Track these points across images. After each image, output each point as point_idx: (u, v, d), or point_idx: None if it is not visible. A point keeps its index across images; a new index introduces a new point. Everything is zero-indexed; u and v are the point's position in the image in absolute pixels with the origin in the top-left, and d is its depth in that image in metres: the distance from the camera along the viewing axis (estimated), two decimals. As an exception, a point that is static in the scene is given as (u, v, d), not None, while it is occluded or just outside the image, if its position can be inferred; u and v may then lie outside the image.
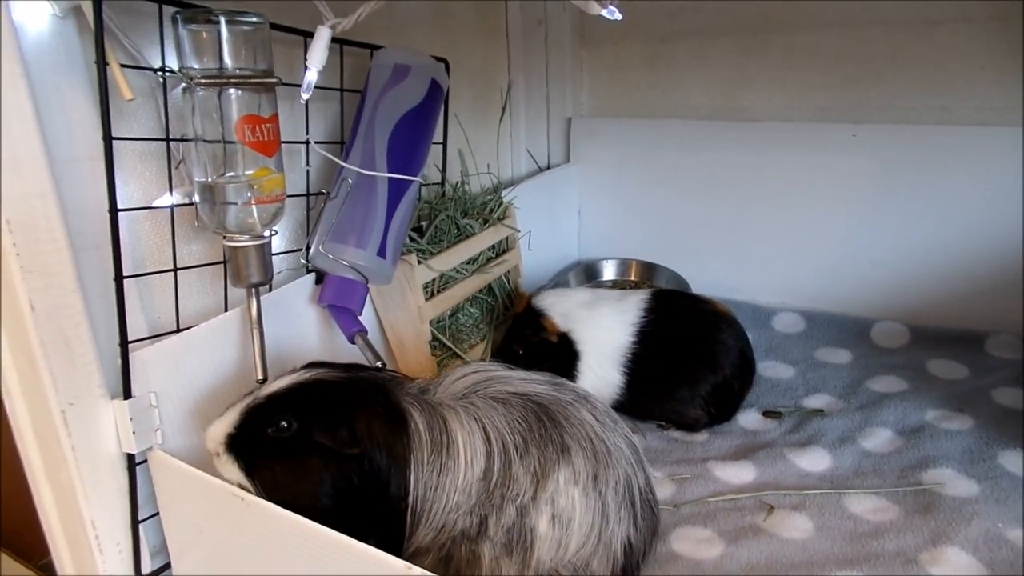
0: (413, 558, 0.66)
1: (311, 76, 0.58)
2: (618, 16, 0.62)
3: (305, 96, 0.60)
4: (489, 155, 1.37)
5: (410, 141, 0.90)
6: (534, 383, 0.71)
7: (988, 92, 1.17)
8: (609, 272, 1.45)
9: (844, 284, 1.31)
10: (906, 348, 1.21)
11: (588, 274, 1.44)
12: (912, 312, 1.25)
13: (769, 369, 1.19)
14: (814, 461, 0.94)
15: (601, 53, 1.49)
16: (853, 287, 1.30)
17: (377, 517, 0.64)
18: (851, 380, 1.13)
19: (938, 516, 0.81)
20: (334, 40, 0.92)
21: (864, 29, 1.24)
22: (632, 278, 1.44)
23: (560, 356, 1.01)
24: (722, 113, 1.39)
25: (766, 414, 1.06)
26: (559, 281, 1.40)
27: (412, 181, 0.90)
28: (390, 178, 0.88)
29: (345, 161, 0.88)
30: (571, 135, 1.51)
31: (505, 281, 1.18)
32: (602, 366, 1.01)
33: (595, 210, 1.54)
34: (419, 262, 0.97)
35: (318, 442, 0.64)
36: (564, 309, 1.01)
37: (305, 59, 0.59)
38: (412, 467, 0.64)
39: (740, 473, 0.92)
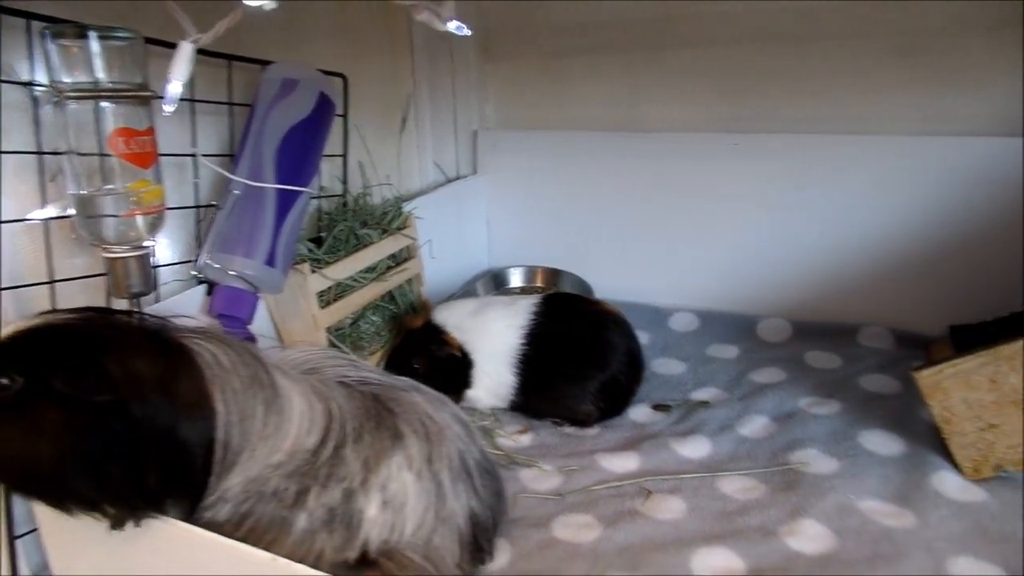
0: (216, 507, 0.63)
1: (174, 89, 0.61)
2: (467, 32, 0.66)
3: (169, 109, 0.62)
4: (394, 167, 1.40)
5: (298, 153, 0.93)
6: (369, 371, 0.75)
7: (855, 104, 1.27)
8: (516, 279, 1.50)
9: (735, 284, 1.39)
10: (788, 342, 1.29)
11: (496, 282, 1.48)
12: (795, 308, 1.34)
13: (663, 366, 1.25)
14: (695, 448, 0.99)
15: (505, 68, 1.54)
16: (743, 287, 1.38)
17: (169, 473, 0.58)
18: (736, 373, 1.19)
19: (799, 492, 0.88)
20: (222, 55, 0.95)
21: (745, 45, 1.32)
22: (539, 284, 1.49)
23: (459, 367, 1.05)
24: (619, 124, 1.46)
25: (656, 407, 1.11)
26: (468, 290, 1.44)
27: (301, 192, 0.93)
28: (278, 189, 0.90)
29: (234, 173, 0.90)
30: (478, 147, 1.56)
31: (407, 289, 1.21)
32: (495, 369, 1.05)
33: (503, 219, 1.59)
34: (313, 271, 1.00)
35: (58, 395, 0.54)
36: (457, 321, 1.06)
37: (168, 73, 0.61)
38: (218, 401, 0.59)
39: (625, 463, 0.97)
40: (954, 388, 0.88)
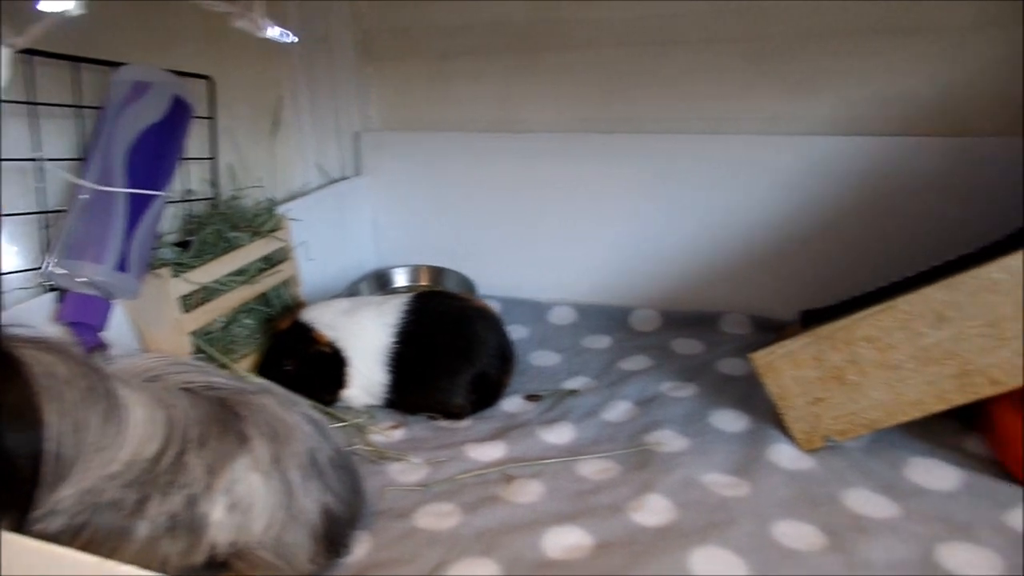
0: (47, 519, 0.62)
1: (-13, 93, 0.60)
2: (292, 39, 0.67)
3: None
4: (273, 170, 1.39)
5: (152, 157, 0.92)
6: (216, 375, 0.75)
7: (713, 105, 1.35)
8: (401, 279, 1.51)
9: (609, 278, 1.45)
10: (657, 331, 1.36)
11: (381, 282, 1.50)
12: (664, 299, 1.41)
13: (540, 358, 1.29)
14: (560, 435, 1.04)
15: (387, 70, 1.56)
16: (616, 280, 1.44)
17: None
18: (607, 362, 1.25)
19: (650, 470, 0.93)
20: (66, 57, 0.93)
21: (613, 50, 1.38)
22: (423, 283, 1.51)
23: (331, 365, 1.06)
24: (499, 125, 1.50)
25: (528, 398, 1.15)
26: (352, 290, 1.45)
27: (155, 196, 0.92)
28: (130, 193, 0.89)
29: (83, 178, 0.89)
30: (361, 148, 1.57)
31: (282, 292, 1.21)
32: (368, 367, 1.07)
33: (390, 220, 1.60)
34: (175, 275, 0.99)
35: None
36: (328, 320, 1.07)
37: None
38: (49, 412, 0.59)
39: (491, 452, 1.00)
40: (785, 367, 0.96)
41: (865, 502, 0.85)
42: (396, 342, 1.06)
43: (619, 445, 1.01)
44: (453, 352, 1.07)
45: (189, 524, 0.67)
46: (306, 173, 1.50)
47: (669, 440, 1.01)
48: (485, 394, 1.10)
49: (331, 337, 1.06)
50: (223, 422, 0.71)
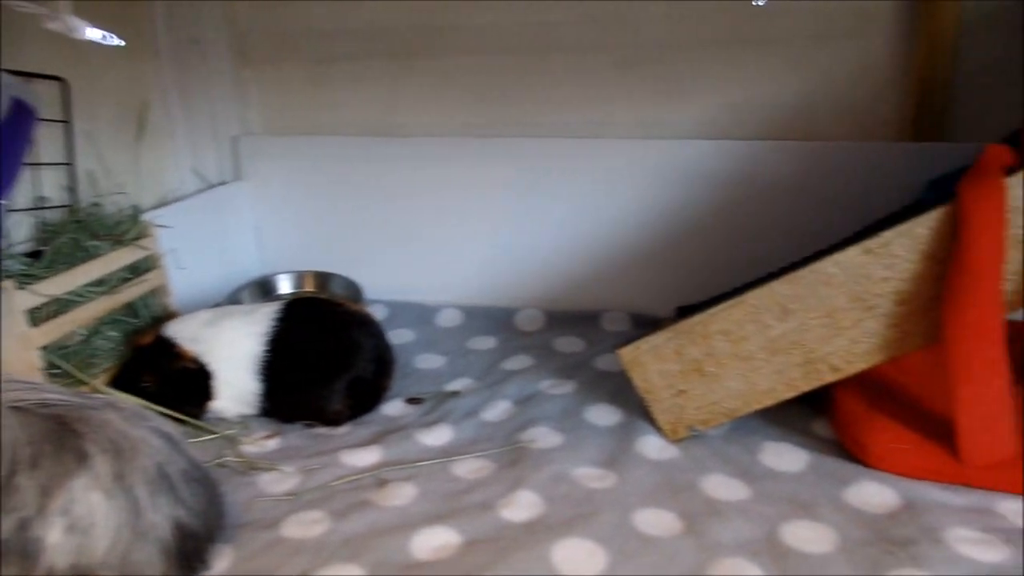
0: None
1: None
2: (117, 41, 0.65)
3: None
4: (139, 175, 1.34)
5: (-11, 162, 0.87)
6: (51, 392, 0.72)
7: (588, 110, 1.39)
8: (285, 286, 1.48)
9: (495, 280, 1.47)
10: (541, 331, 1.39)
11: (264, 290, 1.46)
12: (549, 299, 1.44)
13: (425, 361, 1.30)
14: (438, 436, 1.05)
15: (265, 73, 1.52)
16: (502, 282, 1.46)
17: None
18: (491, 363, 1.27)
19: (522, 467, 0.95)
20: None
21: (493, 55, 1.40)
22: (308, 289, 1.48)
23: (195, 379, 1.03)
24: (381, 129, 1.49)
25: (409, 401, 1.15)
26: (235, 299, 1.41)
27: (-6, 203, 0.87)
28: (-37, 201, 0.84)
29: (-91, 185, 0.83)
30: (240, 153, 1.52)
31: (151, 302, 1.17)
32: (238, 378, 1.04)
33: (273, 226, 1.56)
34: (21, 287, 0.93)
35: None
36: (191, 333, 1.04)
37: None
38: None
39: (367, 456, 1.00)
40: (650, 362, 0.99)
41: (721, 487, 0.90)
42: (267, 351, 1.04)
43: (495, 444, 1.02)
44: (327, 358, 1.06)
45: (21, 549, 0.64)
46: (180, 178, 1.45)
47: (544, 437, 1.03)
48: (363, 399, 1.10)
49: (194, 351, 1.02)
50: (58, 440, 0.67)
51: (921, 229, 0.86)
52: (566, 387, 1.16)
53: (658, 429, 1.02)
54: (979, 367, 0.83)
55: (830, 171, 1.27)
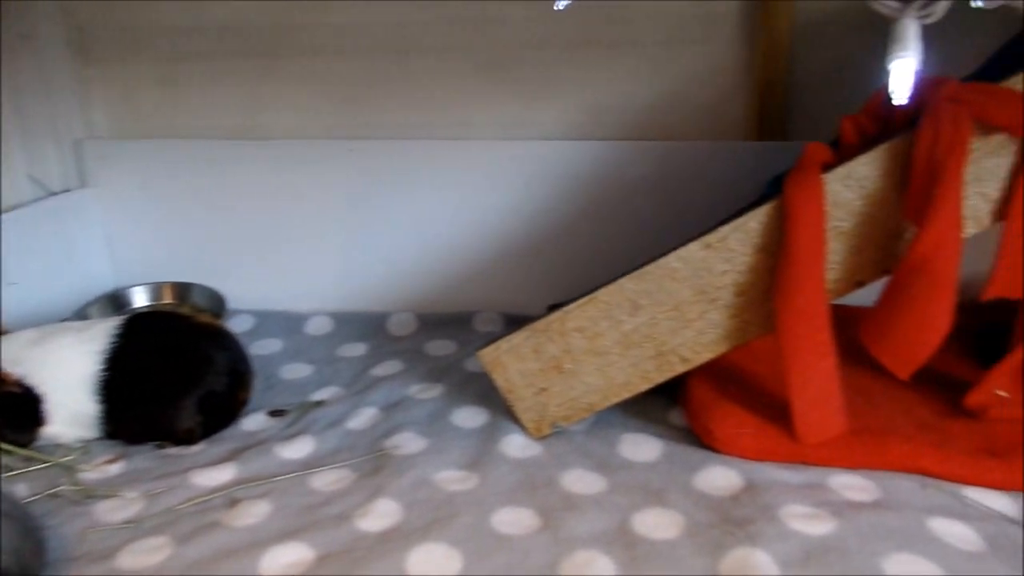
0: None
1: None
2: None
3: None
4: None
5: None
6: None
7: (454, 111, 1.39)
8: (141, 298, 1.40)
9: (366, 284, 1.44)
10: (413, 335, 1.37)
11: (116, 304, 1.37)
12: (421, 302, 1.43)
13: (291, 371, 1.25)
14: (298, 449, 1.01)
15: (111, 72, 1.43)
16: (374, 286, 1.44)
17: None
18: (360, 370, 1.24)
19: (384, 475, 0.93)
20: None
21: (357, 56, 1.38)
22: (167, 301, 1.40)
23: (22, 404, 0.95)
24: (241, 132, 1.43)
25: (272, 413, 1.11)
26: (83, 314, 1.31)
27: None
28: None
29: None
30: (86, 158, 1.42)
31: (-26, 320, 1.07)
32: (73, 400, 0.97)
33: (126, 236, 1.47)
34: None
35: None
36: (13, 355, 0.96)
37: None
38: None
39: (219, 475, 0.95)
40: (510, 361, 1.00)
41: (579, 481, 0.91)
42: (106, 369, 0.98)
43: (357, 453, 1.00)
44: (174, 374, 1.00)
45: None
46: (13, 186, 1.33)
47: (408, 443, 1.01)
48: (217, 415, 1.04)
49: (18, 373, 0.94)
50: None
51: (753, 223, 0.90)
52: (434, 391, 1.15)
53: (522, 427, 1.03)
54: (808, 351, 0.88)
55: (686, 169, 1.32)
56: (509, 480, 0.92)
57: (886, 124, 0.89)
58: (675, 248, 0.94)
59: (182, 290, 1.40)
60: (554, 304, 1.38)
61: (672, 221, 1.33)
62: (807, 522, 0.80)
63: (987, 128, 0.82)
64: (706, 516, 0.83)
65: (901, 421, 0.97)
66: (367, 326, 1.39)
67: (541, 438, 1.02)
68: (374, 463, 0.97)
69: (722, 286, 0.93)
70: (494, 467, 0.95)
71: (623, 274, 1.33)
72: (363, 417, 1.09)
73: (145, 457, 1.01)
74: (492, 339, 1.30)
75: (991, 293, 0.87)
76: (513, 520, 0.84)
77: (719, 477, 0.90)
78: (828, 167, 0.89)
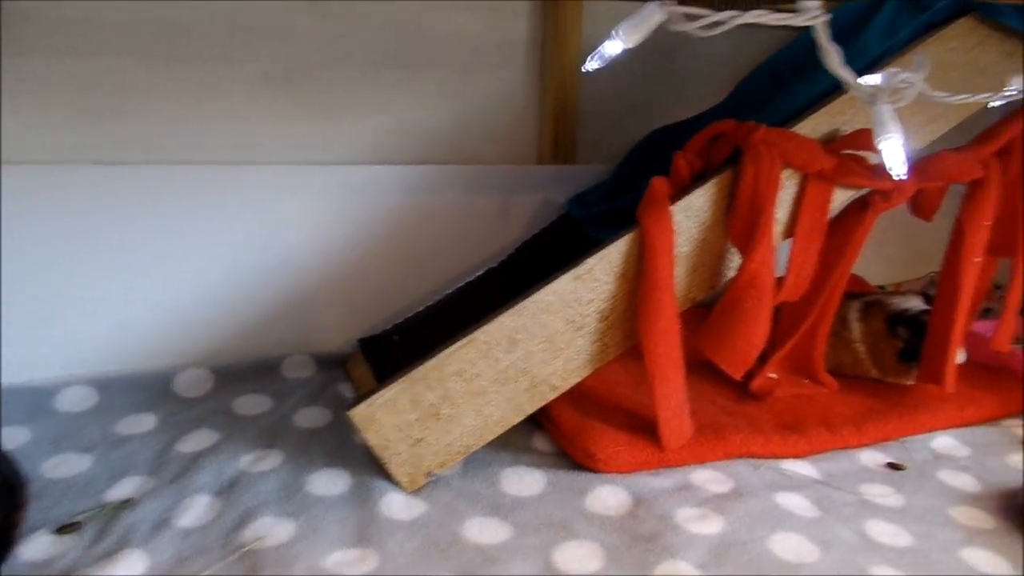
0: None
1: None
2: None
3: None
4: None
5: None
6: None
7: (239, 132, 1.20)
8: None
9: (137, 339, 1.18)
10: (212, 393, 1.17)
11: None
12: (213, 353, 1.22)
13: (60, 466, 0.98)
14: (128, 567, 0.80)
15: None
16: (147, 340, 1.18)
17: None
18: (160, 448, 1.02)
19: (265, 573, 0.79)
20: None
21: (107, 59, 1.11)
22: None
23: None
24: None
25: (61, 530, 0.85)
26: None
27: None
28: None
29: None
30: None
31: None
32: None
33: None
34: None
35: None
36: None
37: None
38: None
39: (30, 634, 0.71)
40: (385, 416, 0.92)
41: (483, 530, 0.88)
42: None
43: (215, 556, 0.82)
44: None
45: None
46: None
47: (272, 530, 0.87)
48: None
49: None
50: None
51: (615, 253, 0.96)
52: (272, 459, 1.00)
53: (395, 483, 0.95)
54: (669, 366, 0.98)
55: (488, 193, 1.34)
56: (411, 547, 0.85)
57: (708, 161, 1.01)
58: (547, 283, 0.95)
59: None
60: (365, 338, 1.30)
61: (472, 246, 1.35)
62: (701, 523, 0.89)
63: (783, 165, 0.99)
64: (618, 539, 0.87)
65: (713, 412, 1.13)
66: (146, 390, 1.14)
67: (416, 490, 0.95)
68: (242, 565, 0.81)
69: (588, 313, 0.97)
70: (388, 536, 0.86)
71: (440, 302, 1.32)
72: (196, 510, 0.90)
73: None
74: (308, 386, 1.20)
75: (781, 298, 1.06)
76: (440, 591, 0.79)
77: (608, 496, 0.95)
78: (670, 198, 0.98)
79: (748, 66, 1.25)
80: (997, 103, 0.94)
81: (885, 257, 1.63)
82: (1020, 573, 0.85)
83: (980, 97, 0.93)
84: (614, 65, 1.30)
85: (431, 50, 1.27)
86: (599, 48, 0.84)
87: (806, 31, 1.13)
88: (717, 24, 0.79)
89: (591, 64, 0.86)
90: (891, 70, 0.88)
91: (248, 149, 1.22)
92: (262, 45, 1.17)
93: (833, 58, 0.85)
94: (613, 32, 0.81)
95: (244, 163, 1.21)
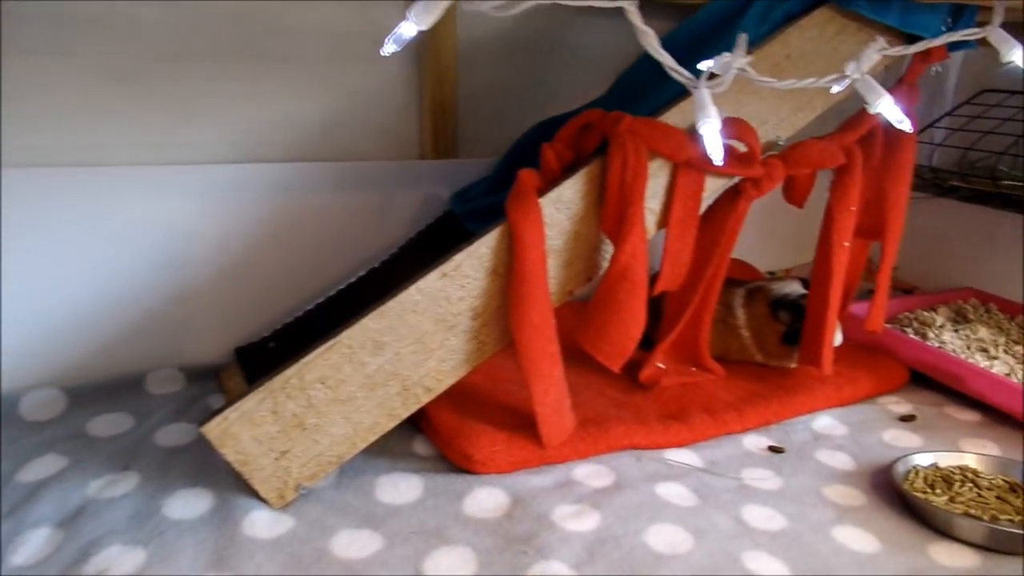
0: None
1: None
2: None
3: None
4: None
5: None
6: None
7: (87, 132, 1.11)
8: None
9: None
10: (65, 415, 1.08)
11: None
12: (67, 371, 1.12)
13: None
14: (-56, 619, 0.72)
15: None
16: (-13, 361, 1.08)
17: None
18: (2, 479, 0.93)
19: (102, 614, 0.72)
20: None
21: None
22: None
23: None
24: None
25: None
26: None
27: None
28: None
29: None
30: None
31: None
32: None
33: None
34: None
35: None
36: None
37: None
38: None
39: None
40: (242, 431, 0.86)
41: (351, 544, 0.84)
42: None
43: (48, 595, 0.75)
44: None
45: None
46: None
47: (117, 560, 0.80)
48: None
49: None
50: None
51: (484, 248, 0.93)
52: (127, 483, 0.93)
53: (263, 500, 0.90)
54: (544, 362, 0.95)
55: (366, 189, 1.29)
56: (271, 568, 0.80)
57: (578, 152, 1.00)
58: (412, 282, 0.91)
59: None
60: (241, 347, 1.23)
61: (353, 245, 1.30)
62: (577, 520, 0.87)
63: (651, 154, 0.98)
64: (492, 542, 0.84)
65: (600, 404, 1.12)
66: (-13, 417, 1.04)
67: (285, 506, 0.90)
68: (80, 603, 0.74)
69: (459, 312, 0.94)
70: (247, 558, 0.81)
71: (319, 305, 1.26)
72: (35, 544, 0.82)
73: None
74: (176, 402, 1.13)
75: (659, 288, 1.06)
76: (298, 614, 0.74)
77: (486, 499, 0.92)
78: (539, 191, 0.96)
79: (633, 57, 1.24)
80: (836, 89, 0.95)
81: (775, 243, 1.67)
82: (886, 547, 0.86)
83: (808, 82, 0.94)
84: (496, 58, 1.27)
85: (298, 42, 1.21)
86: (395, 31, 0.80)
87: (690, 21, 1.15)
88: (512, 3, 0.77)
89: (388, 48, 0.82)
90: (721, 56, 0.87)
91: (94, 150, 1.12)
92: (111, 37, 1.09)
93: (651, 40, 0.84)
94: (407, 14, 0.77)
95: (88, 165, 1.11)
